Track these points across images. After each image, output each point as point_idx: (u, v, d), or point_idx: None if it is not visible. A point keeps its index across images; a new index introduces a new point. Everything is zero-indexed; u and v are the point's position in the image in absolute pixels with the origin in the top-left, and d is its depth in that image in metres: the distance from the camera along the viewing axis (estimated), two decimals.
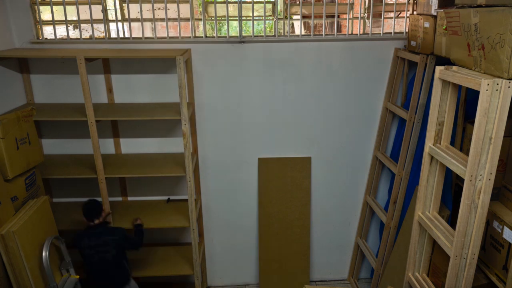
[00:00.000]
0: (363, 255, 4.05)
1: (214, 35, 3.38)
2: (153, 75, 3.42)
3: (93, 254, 2.88)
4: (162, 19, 3.35)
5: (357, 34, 3.45)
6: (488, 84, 1.89)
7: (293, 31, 3.86)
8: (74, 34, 3.49)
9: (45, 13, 3.35)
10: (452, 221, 2.89)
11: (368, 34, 3.44)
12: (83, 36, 3.35)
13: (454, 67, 2.27)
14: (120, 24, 3.41)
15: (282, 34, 3.49)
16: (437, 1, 3.04)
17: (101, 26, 3.37)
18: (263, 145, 3.68)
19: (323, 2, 3.36)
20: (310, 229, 3.91)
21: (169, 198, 3.68)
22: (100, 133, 3.25)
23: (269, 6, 3.43)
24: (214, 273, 4.06)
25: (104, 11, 3.30)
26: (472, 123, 2.01)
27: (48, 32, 3.40)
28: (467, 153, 2.09)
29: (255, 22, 3.42)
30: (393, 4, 3.44)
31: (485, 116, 1.93)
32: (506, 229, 2.25)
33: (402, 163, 3.30)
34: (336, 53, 3.45)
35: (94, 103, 3.07)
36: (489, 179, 2.01)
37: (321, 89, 3.54)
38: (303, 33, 3.63)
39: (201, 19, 3.40)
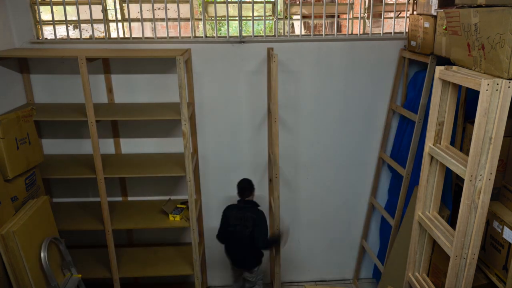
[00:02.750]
0: (364, 255, 4.05)
1: (214, 35, 3.38)
2: (153, 75, 3.42)
3: (235, 225, 3.16)
4: (162, 19, 3.35)
5: (357, 34, 3.45)
6: (488, 84, 1.88)
7: (293, 31, 3.86)
8: (74, 34, 3.49)
9: (45, 13, 3.35)
10: (452, 221, 2.89)
11: (368, 34, 3.44)
12: (83, 36, 3.35)
13: (454, 67, 2.27)
14: (120, 24, 3.41)
15: (282, 34, 3.49)
16: (437, 1, 3.04)
17: (101, 26, 3.37)
18: (263, 145, 3.67)
19: (323, 2, 3.36)
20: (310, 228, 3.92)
21: (169, 199, 3.68)
22: (100, 133, 3.25)
23: (269, 6, 3.43)
24: (214, 273, 4.06)
25: (104, 11, 3.30)
26: (472, 123, 2.01)
27: (48, 32, 3.40)
28: (467, 153, 2.09)
29: (255, 22, 3.42)
30: (393, 4, 3.44)
31: (485, 116, 1.93)
32: (506, 229, 2.25)
33: (411, 166, 3.28)
34: (336, 53, 3.44)
35: (94, 103, 3.07)
36: (489, 179, 2.01)
37: (321, 89, 3.54)
38: (303, 33, 3.63)
39: (201, 19, 3.40)
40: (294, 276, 4.13)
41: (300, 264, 4.10)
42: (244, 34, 3.37)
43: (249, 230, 3.12)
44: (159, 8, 3.38)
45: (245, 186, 3.22)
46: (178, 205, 3.51)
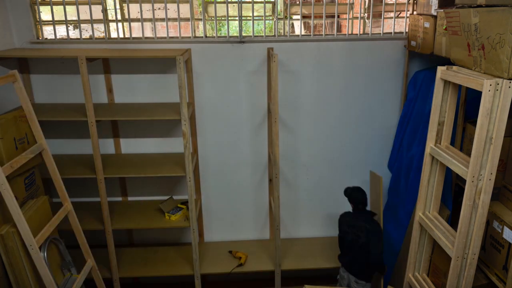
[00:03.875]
0: None
1: (214, 35, 3.38)
2: (153, 75, 3.42)
3: (348, 233, 3.06)
4: (162, 19, 3.35)
5: (357, 34, 3.44)
6: (490, 85, 1.88)
7: (293, 31, 3.86)
8: (74, 34, 3.49)
9: (45, 13, 3.35)
10: (452, 221, 2.89)
11: (368, 34, 3.44)
12: (83, 36, 3.35)
13: (454, 67, 2.27)
14: (120, 24, 3.41)
15: (282, 34, 3.49)
16: (437, 1, 3.03)
17: (101, 26, 3.37)
18: (263, 145, 3.67)
19: (323, 2, 3.36)
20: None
21: (171, 197, 3.68)
22: (100, 133, 3.25)
23: (269, 6, 3.42)
24: None
25: (104, 11, 3.30)
26: (472, 123, 2.01)
27: (48, 32, 3.40)
28: (466, 153, 2.09)
29: (255, 22, 3.42)
30: (393, 4, 3.44)
31: (487, 116, 1.93)
32: (506, 229, 2.25)
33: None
34: (336, 53, 3.44)
35: (94, 103, 3.07)
36: (490, 179, 2.01)
37: (321, 89, 3.53)
38: (303, 33, 3.63)
39: (201, 19, 3.40)
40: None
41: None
42: (244, 34, 3.37)
43: (362, 241, 2.95)
44: (159, 8, 3.38)
45: (358, 198, 3.06)
46: (178, 205, 3.50)
